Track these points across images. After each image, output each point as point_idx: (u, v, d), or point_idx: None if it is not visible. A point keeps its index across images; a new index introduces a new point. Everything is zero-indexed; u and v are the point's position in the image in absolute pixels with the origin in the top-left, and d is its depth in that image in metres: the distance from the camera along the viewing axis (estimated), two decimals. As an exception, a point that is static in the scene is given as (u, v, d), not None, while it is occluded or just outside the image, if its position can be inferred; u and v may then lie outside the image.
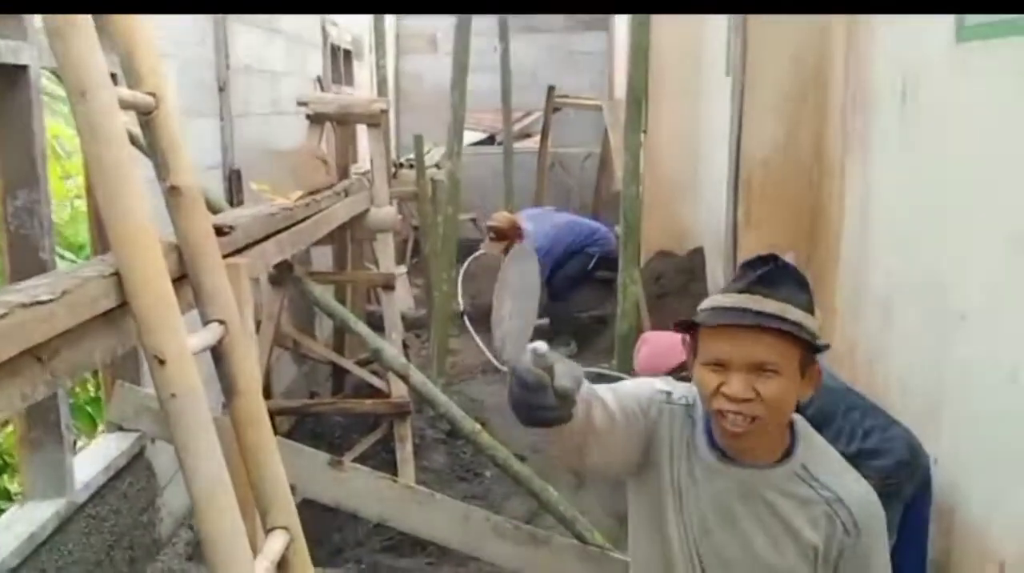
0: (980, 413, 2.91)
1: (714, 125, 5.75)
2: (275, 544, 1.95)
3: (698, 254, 7.07)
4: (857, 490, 1.88)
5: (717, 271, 5.62)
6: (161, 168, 1.83)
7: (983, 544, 2.88)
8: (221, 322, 1.88)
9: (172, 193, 1.82)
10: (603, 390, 1.82)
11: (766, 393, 1.70)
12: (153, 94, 1.79)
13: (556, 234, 7.73)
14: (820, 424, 2.95)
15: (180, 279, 1.87)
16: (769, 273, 1.77)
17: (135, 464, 3.72)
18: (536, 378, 1.52)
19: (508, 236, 7.72)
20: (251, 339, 2.26)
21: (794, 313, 1.72)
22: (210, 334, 1.82)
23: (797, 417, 1.89)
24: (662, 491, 1.85)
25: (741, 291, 1.76)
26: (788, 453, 1.85)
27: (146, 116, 1.81)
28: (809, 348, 1.76)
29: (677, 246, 7.56)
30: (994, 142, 2.82)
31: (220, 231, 2.26)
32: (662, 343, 3.24)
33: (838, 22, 4.28)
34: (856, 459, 2.91)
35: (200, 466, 1.66)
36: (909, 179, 3.48)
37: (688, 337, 1.86)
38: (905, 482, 2.91)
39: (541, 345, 1.55)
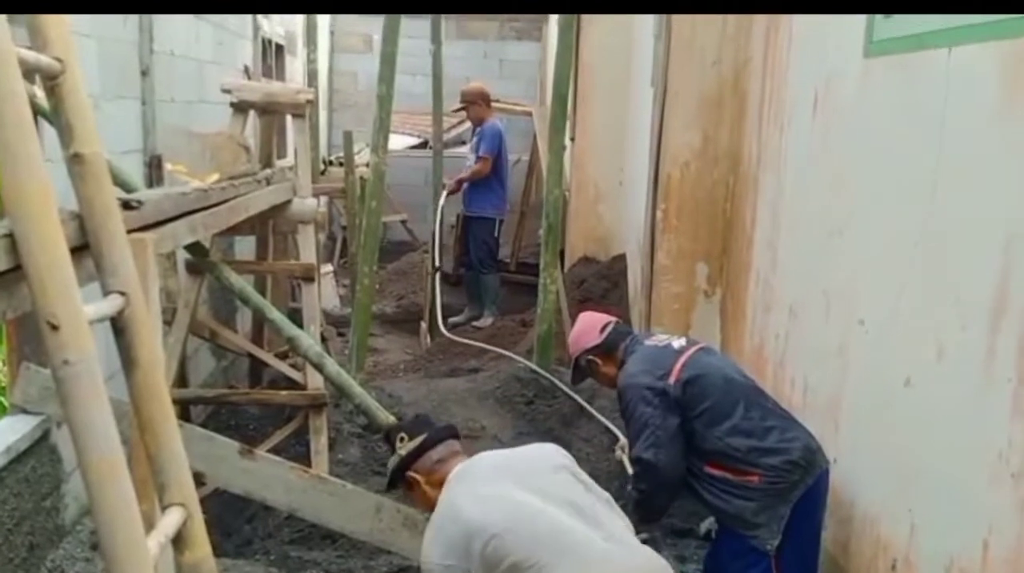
0: (877, 415, 3.02)
1: (639, 135, 5.85)
2: (171, 520, 1.93)
3: (620, 261, 7.18)
4: None
5: (637, 272, 5.72)
6: (65, 135, 1.80)
7: (876, 541, 2.99)
8: (122, 294, 1.86)
9: (75, 160, 1.79)
10: None
11: None
12: (60, 59, 1.77)
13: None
14: (713, 420, 3.06)
15: (81, 249, 1.85)
16: None
17: (38, 448, 3.63)
18: None
19: (474, 102, 8.26)
20: (155, 316, 2.24)
21: None
22: (109, 305, 1.80)
23: None
24: None
25: None
26: None
27: (52, 82, 1.78)
28: None
29: (601, 253, 7.67)
30: (894, 154, 2.93)
31: (128, 206, 2.24)
32: (585, 327, 3.49)
33: (758, 28, 4.39)
34: (749, 455, 3.01)
35: (92, 436, 1.63)
36: (817, 189, 3.59)
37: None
38: (796, 482, 3.00)
39: None
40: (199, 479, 3.54)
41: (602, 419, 4.66)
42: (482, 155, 8.18)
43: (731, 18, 4.54)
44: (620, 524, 2.59)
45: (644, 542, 3.76)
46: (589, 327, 3.46)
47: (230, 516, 4.46)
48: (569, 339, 3.60)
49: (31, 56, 1.67)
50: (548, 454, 2.72)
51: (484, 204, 8.33)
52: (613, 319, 3.51)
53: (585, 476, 2.69)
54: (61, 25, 1.79)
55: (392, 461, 2.74)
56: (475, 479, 2.56)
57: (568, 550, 2.36)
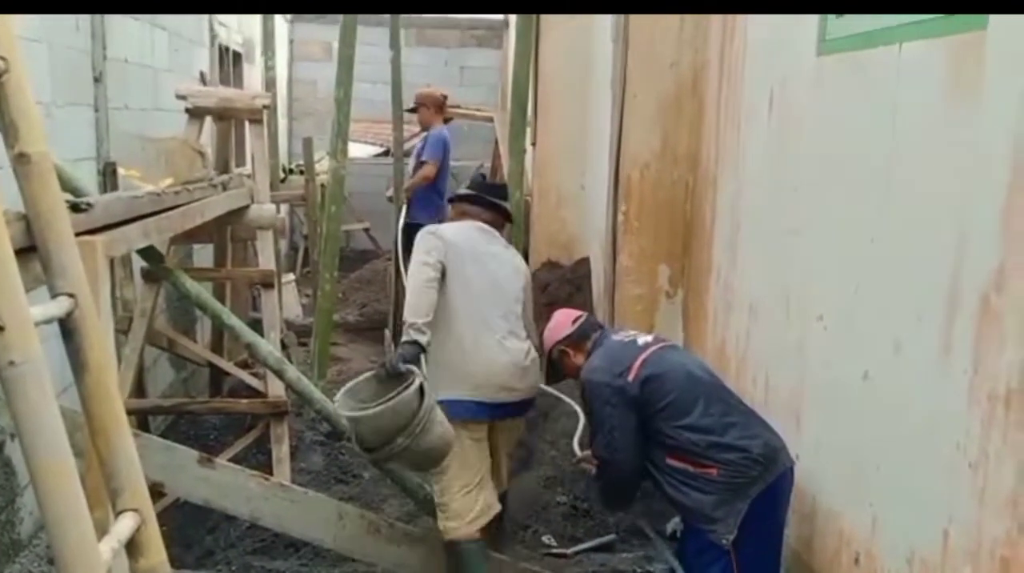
0: (836, 410, 3.04)
1: (600, 138, 5.87)
2: (124, 525, 1.89)
3: (584, 264, 7.18)
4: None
5: (600, 275, 5.72)
6: (10, 135, 1.76)
7: (839, 535, 3.00)
8: (71, 296, 1.82)
9: (20, 160, 1.76)
10: (431, 265, 3.50)
11: None
12: (3, 58, 1.73)
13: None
14: (673, 415, 3.08)
15: (28, 251, 1.82)
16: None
17: (-9, 462, 3.57)
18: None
19: (425, 104, 8.11)
20: (106, 319, 2.20)
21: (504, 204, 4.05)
22: (57, 306, 1.76)
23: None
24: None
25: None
26: None
27: (-6, 80, 1.74)
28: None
29: (564, 257, 7.67)
30: (848, 151, 2.96)
31: (77, 208, 2.20)
32: (558, 320, 3.62)
33: (715, 30, 4.42)
34: (709, 450, 3.03)
35: (40, 437, 1.60)
36: (774, 188, 3.61)
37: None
38: (754, 478, 3.01)
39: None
40: (158, 489, 3.50)
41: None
42: (424, 160, 8.09)
43: (688, 21, 4.56)
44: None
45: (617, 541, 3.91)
46: (563, 319, 3.59)
47: (191, 527, 4.40)
48: (544, 335, 3.66)
49: (-29, 52, 1.63)
50: (512, 285, 3.75)
51: (420, 213, 8.19)
52: (586, 314, 3.65)
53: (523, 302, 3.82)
54: (3, 24, 1.75)
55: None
56: (464, 241, 3.71)
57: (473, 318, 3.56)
